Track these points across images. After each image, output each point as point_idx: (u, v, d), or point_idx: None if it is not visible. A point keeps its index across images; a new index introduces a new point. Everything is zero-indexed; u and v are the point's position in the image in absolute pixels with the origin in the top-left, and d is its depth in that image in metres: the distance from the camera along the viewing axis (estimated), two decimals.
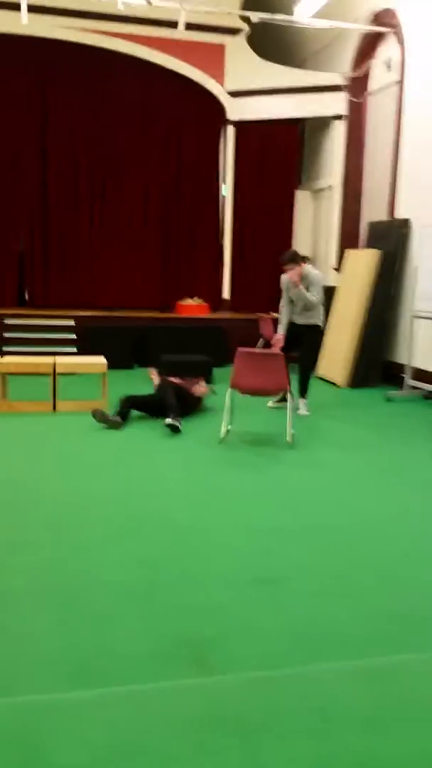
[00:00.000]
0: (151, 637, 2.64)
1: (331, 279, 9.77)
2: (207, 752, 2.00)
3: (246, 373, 5.57)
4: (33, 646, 2.56)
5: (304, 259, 6.74)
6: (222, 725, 2.11)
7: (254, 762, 1.96)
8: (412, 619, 2.85)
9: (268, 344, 9.36)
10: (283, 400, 6.78)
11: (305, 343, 6.76)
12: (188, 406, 6.33)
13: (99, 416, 5.90)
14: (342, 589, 3.11)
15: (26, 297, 10.37)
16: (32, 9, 7.93)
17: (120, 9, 7.88)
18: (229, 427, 5.69)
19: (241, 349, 5.63)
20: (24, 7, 7.61)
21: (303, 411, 6.71)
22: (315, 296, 6.51)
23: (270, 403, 6.90)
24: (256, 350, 5.87)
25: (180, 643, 2.59)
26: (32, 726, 2.09)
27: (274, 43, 10.67)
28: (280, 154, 10.74)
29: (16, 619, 2.76)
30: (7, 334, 9.13)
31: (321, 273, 6.64)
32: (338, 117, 10.15)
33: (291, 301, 6.71)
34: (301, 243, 11.11)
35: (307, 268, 6.66)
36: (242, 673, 2.43)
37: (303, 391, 6.82)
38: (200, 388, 6.63)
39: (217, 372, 8.49)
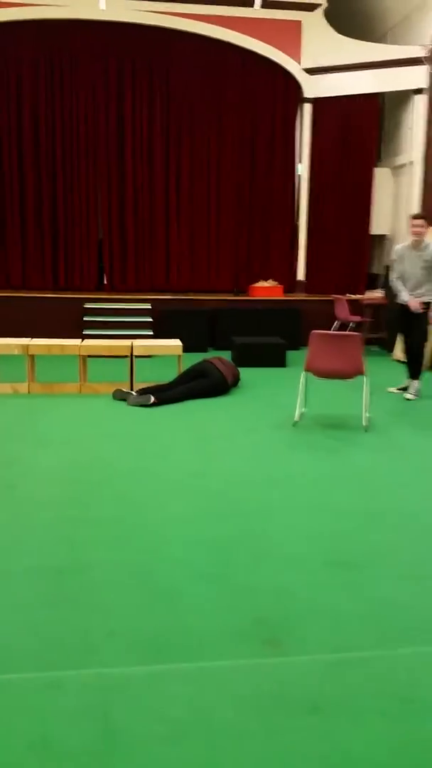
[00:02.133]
0: (223, 615, 2.67)
1: None
2: (281, 732, 2.02)
3: (321, 355, 5.51)
4: (106, 620, 2.64)
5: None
6: (297, 705, 2.13)
7: (330, 743, 1.97)
8: None
9: (343, 326, 9.22)
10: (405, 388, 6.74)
11: (417, 321, 6.45)
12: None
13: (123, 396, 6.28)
14: (420, 574, 3.05)
15: (105, 282, 10.59)
16: None
17: None
18: (304, 409, 5.66)
19: (315, 332, 5.56)
20: None
21: (411, 395, 6.51)
22: None
23: (391, 389, 6.78)
24: (332, 332, 5.78)
25: (253, 623, 2.62)
26: (107, 699, 2.16)
27: (353, 18, 10.39)
28: (359, 131, 10.47)
29: (89, 592, 2.85)
30: (87, 318, 9.35)
31: None
32: (419, 91, 9.79)
33: (402, 276, 6.41)
34: (380, 221, 10.84)
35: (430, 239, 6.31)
36: (318, 654, 2.43)
37: (415, 374, 6.60)
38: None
39: (291, 354, 8.44)
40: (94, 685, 2.23)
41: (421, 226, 6.24)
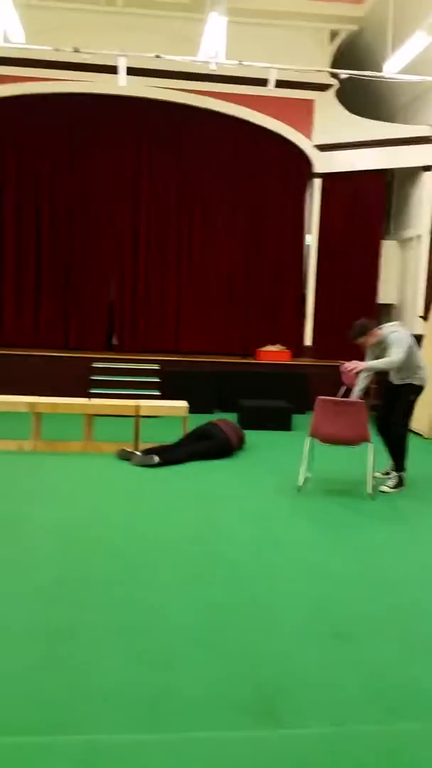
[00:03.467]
0: (219, 683, 2.60)
1: (418, 328, 9.61)
2: None
3: (326, 421, 5.51)
4: (99, 683, 2.57)
5: (366, 329, 5.78)
6: None
7: None
8: None
9: (348, 392, 9.23)
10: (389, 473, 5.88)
11: (398, 401, 5.82)
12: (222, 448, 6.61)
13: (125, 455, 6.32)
14: (423, 646, 2.97)
15: (114, 342, 10.72)
16: (129, 71, 8.38)
17: (212, 69, 8.22)
18: (309, 475, 5.62)
19: (320, 398, 5.58)
20: (123, 71, 8.05)
21: (386, 487, 5.67)
22: (396, 355, 5.50)
23: (377, 473, 5.78)
24: (337, 398, 5.79)
25: (250, 693, 2.54)
26: (97, 766, 2.08)
27: (364, 97, 10.82)
28: (367, 204, 10.76)
29: (83, 653, 2.78)
30: (94, 377, 9.43)
31: (403, 331, 5.72)
32: (428, 168, 10.12)
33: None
34: (387, 291, 11.02)
35: (385, 331, 5.70)
36: (317, 728, 2.35)
37: (395, 461, 5.77)
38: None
39: (297, 419, 8.44)
40: (85, 752, 2.15)
41: (363, 342, 5.83)
